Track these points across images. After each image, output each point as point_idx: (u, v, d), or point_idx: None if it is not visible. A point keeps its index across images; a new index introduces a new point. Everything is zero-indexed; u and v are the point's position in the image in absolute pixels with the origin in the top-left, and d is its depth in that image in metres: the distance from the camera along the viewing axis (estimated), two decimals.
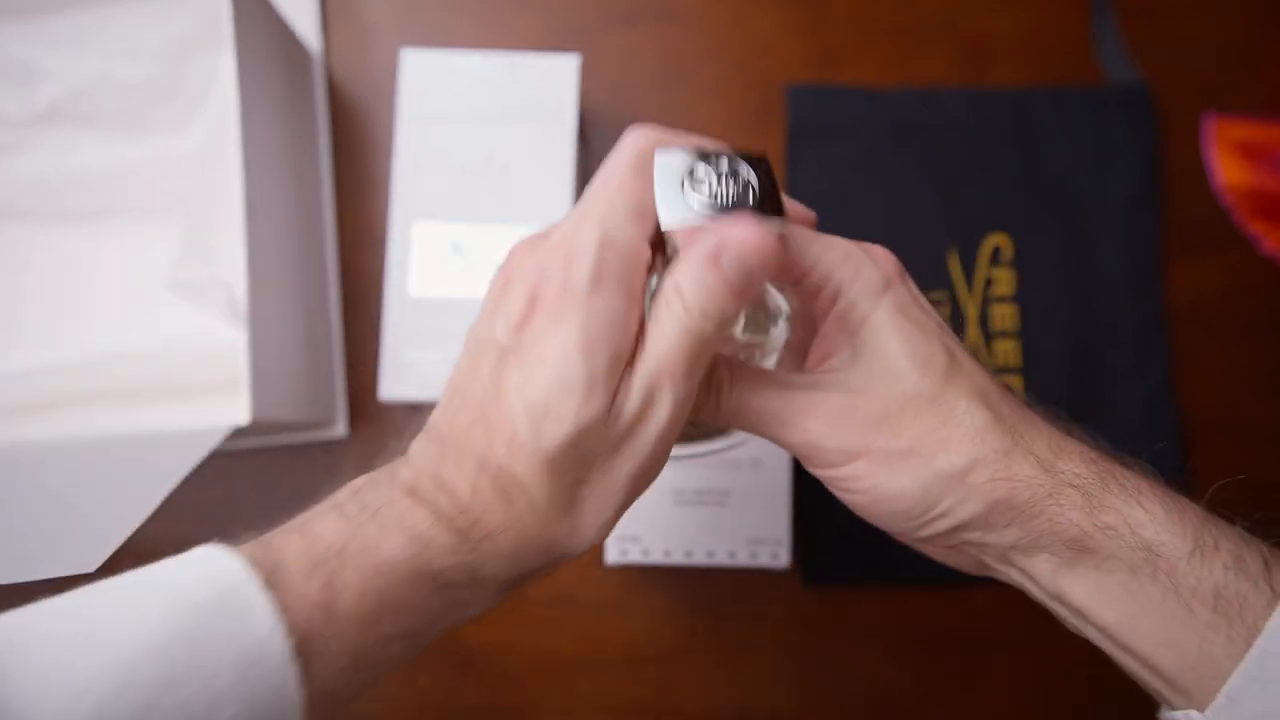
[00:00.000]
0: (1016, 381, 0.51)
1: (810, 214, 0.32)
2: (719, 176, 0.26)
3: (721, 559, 0.45)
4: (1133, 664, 0.26)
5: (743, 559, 0.45)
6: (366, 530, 0.24)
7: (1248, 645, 0.23)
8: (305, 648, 0.22)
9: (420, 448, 0.27)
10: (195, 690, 0.20)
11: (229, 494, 0.49)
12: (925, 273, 0.52)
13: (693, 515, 0.44)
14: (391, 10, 0.54)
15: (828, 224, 0.52)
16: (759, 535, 0.45)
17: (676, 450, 0.33)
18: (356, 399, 0.50)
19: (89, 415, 0.47)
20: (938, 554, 0.29)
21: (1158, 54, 0.54)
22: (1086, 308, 0.52)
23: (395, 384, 0.45)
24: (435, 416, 0.27)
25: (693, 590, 0.49)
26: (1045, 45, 0.54)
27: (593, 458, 0.25)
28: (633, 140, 0.26)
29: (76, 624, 0.21)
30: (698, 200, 0.25)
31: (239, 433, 0.41)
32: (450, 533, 0.25)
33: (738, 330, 0.30)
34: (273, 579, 0.22)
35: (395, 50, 0.49)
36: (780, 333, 0.31)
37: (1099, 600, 0.25)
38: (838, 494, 0.28)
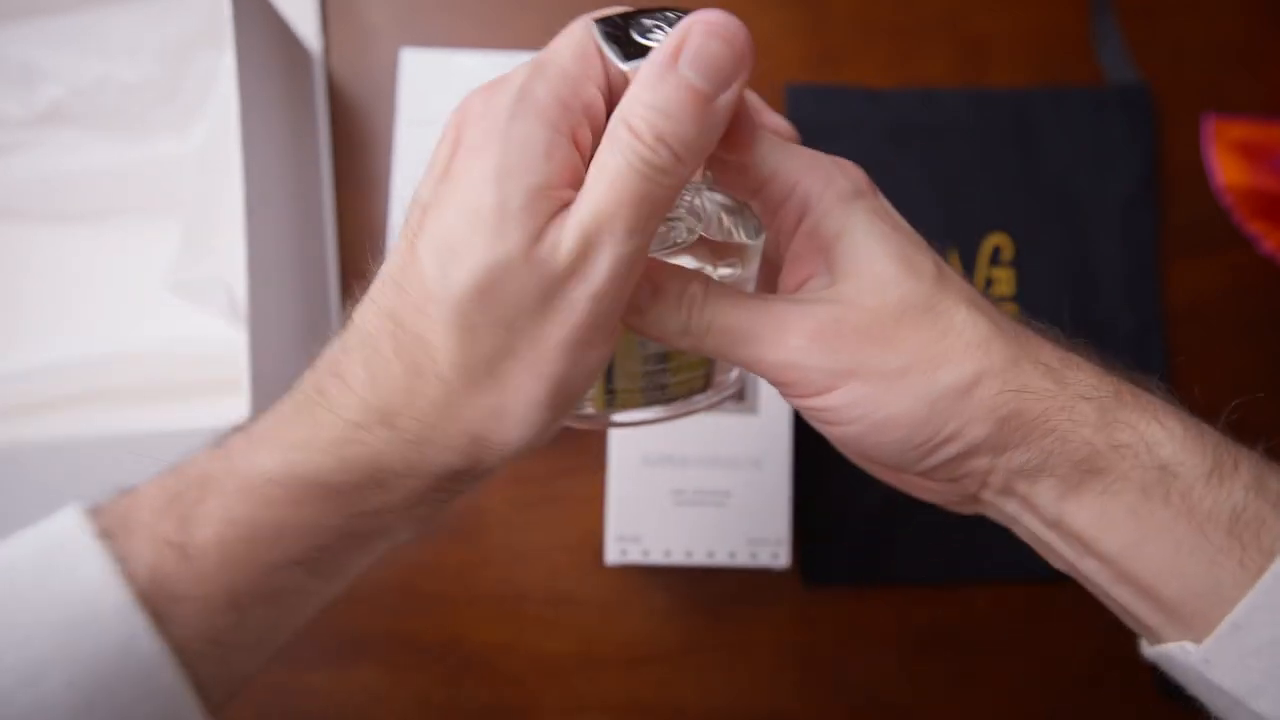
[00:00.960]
0: None
1: (787, 126, 0.28)
2: (668, 22, 0.22)
3: (721, 559, 0.45)
4: (1128, 596, 0.24)
5: (743, 559, 0.45)
6: (236, 452, 0.22)
7: (1260, 572, 0.21)
8: (155, 592, 0.20)
9: (329, 347, 0.24)
10: (7, 658, 0.18)
11: None
12: None
13: (693, 515, 0.44)
14: (391, 10, 0.54)
15: None
16: (759, 535, 0.45)
17: (659, 413, 0.30)
18: None
19: (89, 415, 0.47)
20: (930, 489, 0.27)
21: (1157, 54, 0.54)
22: (1086, 308, 0.52)
23: None
24: (354, 307, 0.24)
25: (693, 590, 0.49)
26: (1045, 45, 0.54)
27: (515, 319, 0.21)
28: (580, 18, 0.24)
29: None
30: (655, 42, 0.22)
31: None
32: (336, 424, 0.21)
33: (708, 229, 0.26)
34: (120, 525, 0.20)
35: (395, 50, 0.49)
36: (756, 241, 0.27)
37: (1102, 526, 0.23)
38: (826, 429, 0.25)
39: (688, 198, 0.26)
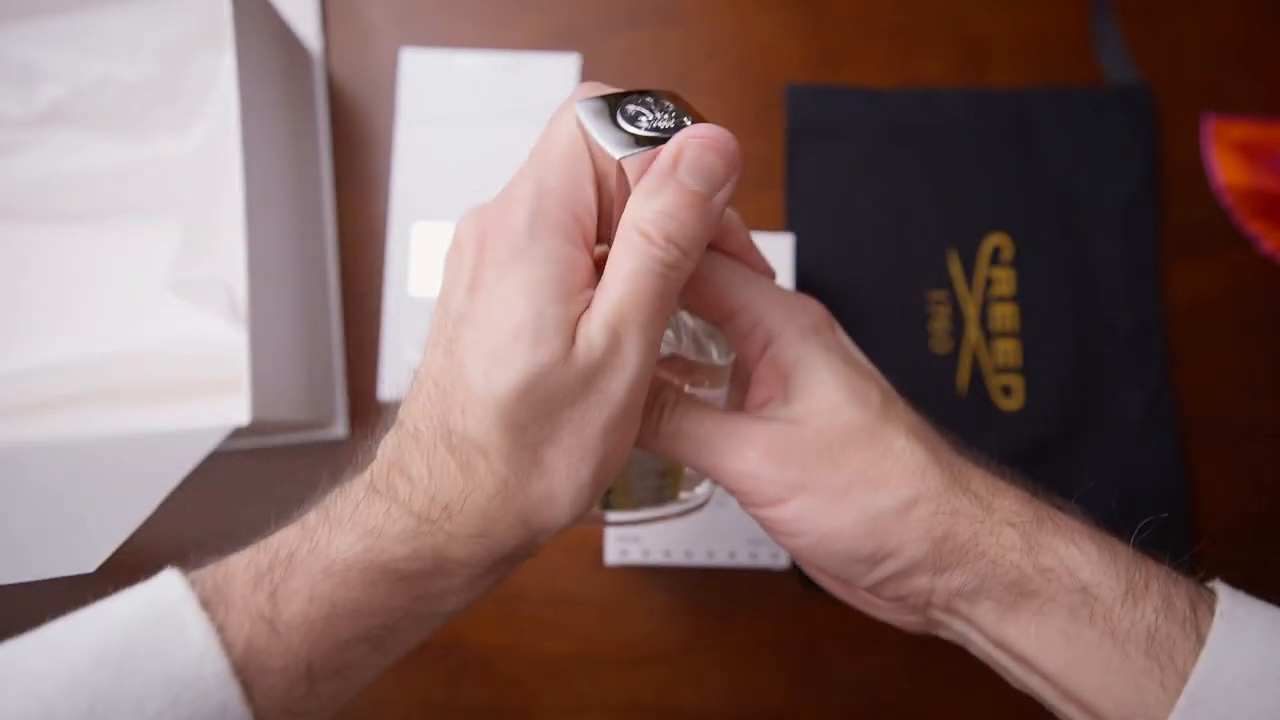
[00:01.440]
0: (1016, 381, 0.51)
1: (768, 264, 0.30)
2: (650, 108, 0.24)
3: (721, 559, 0.45)
4: (1073, 712, 0.25)
5: (743, 559, 0.45)
6: (318, 533, 0.23)
7: (1178, 693, 0.23)
8: (248, 663, 0.21)
9: (386, 440, 0.26)
10: (122, 716, 0.20)
11: (229, 494, 0.49)
12: (925, 273, 0.52)
13: (693, 515, 0.44)
14: (391, 10, 0.54)
15: (828, 224, 0.52)
16: (759, 535, 0.45)
17: (651, 513, 0.32)
18: (356, 399, 0.50)
19: (89, 415, 0.47)
20: (886, 612, 0.29)
21: (1157, 54, 0.54)
22: (1086, 307, 0.52)
23: (395, 384, 0.45)
24: (402, 406, 0.26)
25: (693, 590, 0.49)
26: (1045, 45, 0.54)
27: (557, 411, 0.23)
28: (567, 100, 0.25)
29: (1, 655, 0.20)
30: (642, 130, 0.23)
31: (239, 433, 0.41)
32: (407, 517, 0.24)
33: (683, 348, 0.29)
34: (217, 595, 0.22)
35: (395, 50, 0.49)
36: (725, 363, 0.30)
37: (1040, 646, 0.25)
38: (781, 541, 0.27)
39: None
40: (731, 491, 0.27)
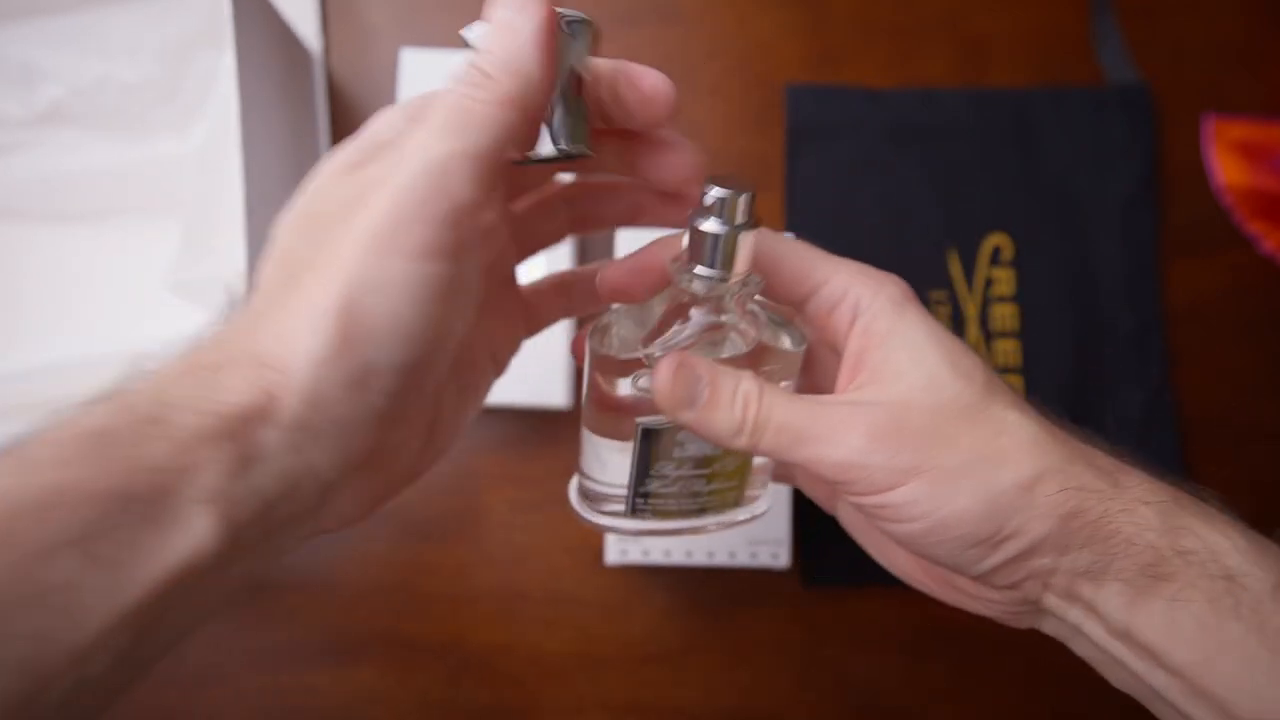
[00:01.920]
0: (1017, 381, 0.51)
1: None
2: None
3: (721, 559, 0.45)
4: (1203, 712, 0.23)
5: (743, 559, 0.45)
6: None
7: None
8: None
9: None
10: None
11: None
12: (925, 273, 0.52)
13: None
14: (391, 10, 0.54)
15: (828, 224, 0.52)
16: (759, 535, 0.45)
17: (689, 524, 0.31)
18: None
19: None
20: (988, 599, 0.27)
21: (1157, 54, 0.54)
22: (1086, 307, 0.52)
23: None
24: None
25: (693, 590, 0.49)
26: (1045, 45, 0.54)
27: (323, 228, 0.23)
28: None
29: None
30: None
31: None
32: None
33: (763, 336, 0.28)
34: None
35: (395, 50, 0.49)
36: (798, 350, 0.28)
37: (1172, 637, 0.23)
38: (887, 527, 0.25)
39: (731, 314, 0.27)
40: (833, 481, 0.25)
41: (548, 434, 0.50)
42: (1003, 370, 0.51)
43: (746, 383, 0.25)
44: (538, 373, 0.46)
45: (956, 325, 0.51)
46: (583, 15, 0.27)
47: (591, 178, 0.31)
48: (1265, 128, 0.53)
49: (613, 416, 0.28)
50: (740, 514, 0.31)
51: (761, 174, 0.53)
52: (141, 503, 0.19)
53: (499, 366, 0.30)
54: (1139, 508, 0.24)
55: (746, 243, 0.26)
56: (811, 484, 0.33)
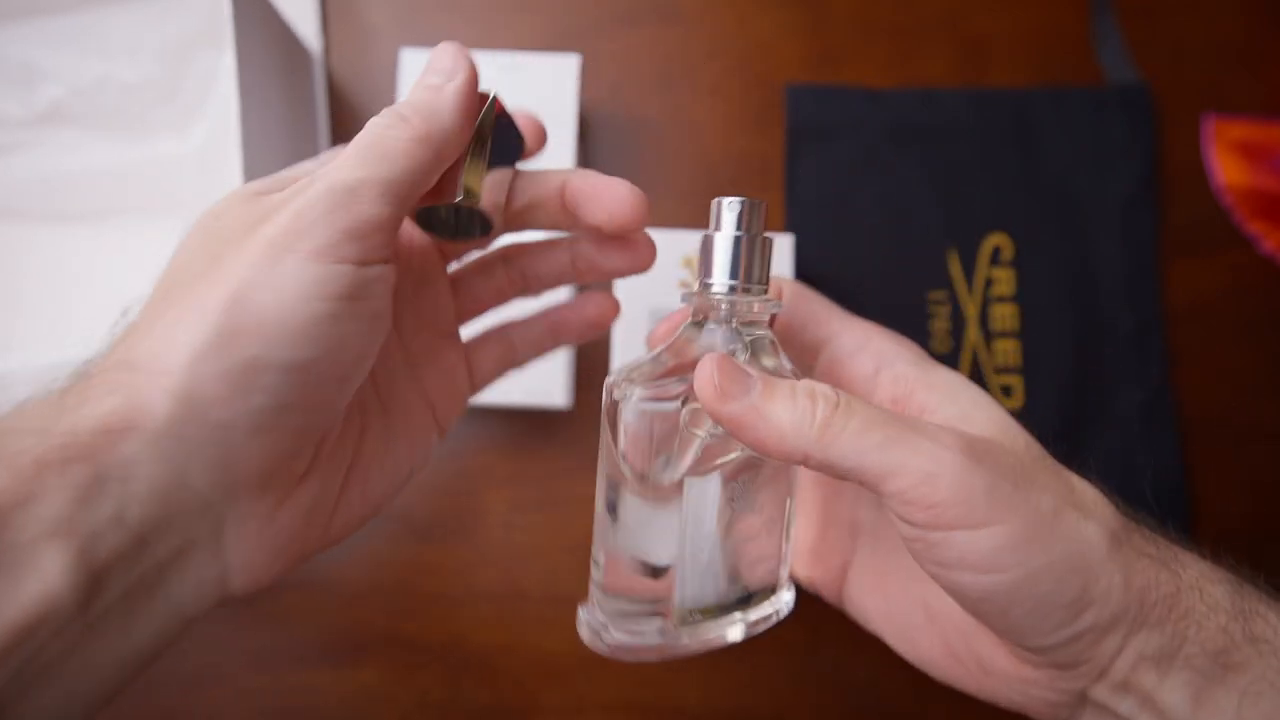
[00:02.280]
0: (1016, 381, 0.51)
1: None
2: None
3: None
4: None
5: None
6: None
7: None
8: None
9: None
10: None
11: None
12: (925, 273, 0.52)
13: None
14: (391, 10, 0.54)
15: (828, 224, 0.52)
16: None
17: (736, 625, 0.27)
18: None
19: None
20: (1029, 686, 0.24)
21: (1157, 54, 0.54)
22: (1086, 308, 0.52)
23: None
24: None
25: None
26: (1045, 45, 0.54)
27: (220, 246, 0.23)
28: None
29: None
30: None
31: None
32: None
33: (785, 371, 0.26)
34: None
35: (395, 50, 0.49)
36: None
37: None
38: (961, 579, 0.21)
39: (755, 331, 0.26)
40: (917, 505, 0.21)
41: (548, 434, 0.50)
42: (1003, 370, 0.51)
43: (819, 388, 0.23)
44: (538, 372, 0.46)
45: (956, 325, 0.51)
46: (491, 92, 0.27)
47: (527, 236, 0.30)
48: (1265, 128, 0.53)
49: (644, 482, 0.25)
50: (770, 609, 0.28)
51: (762, 174, 0.53)
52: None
53: (440, 425, 0.29)
54: (1209, 586, 0.22)
55: (762, 251, 0.25)
56: (819, 563, 0.30)
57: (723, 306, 0.25)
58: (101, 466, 0.18)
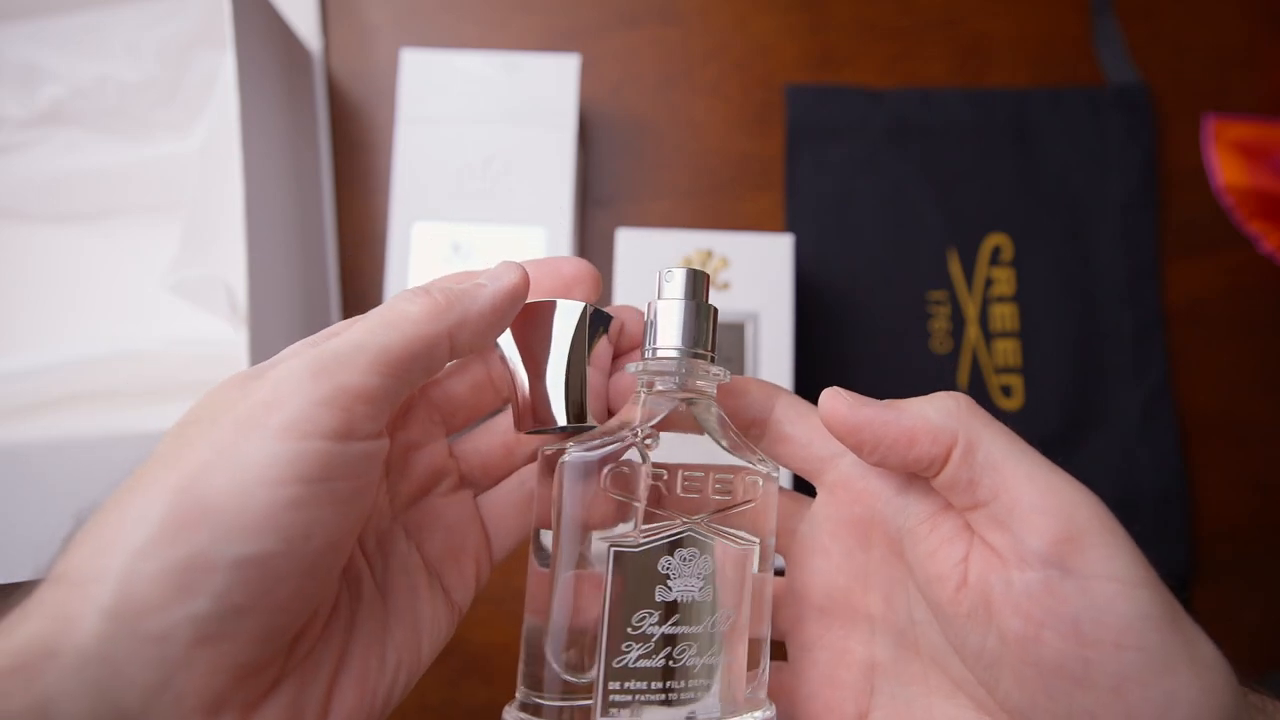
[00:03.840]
0: (1016, 381, 0.51)
1: None
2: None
3: None
4: None
5: None
6: None
7: None
8: None
9: None
10: None
11: None
12: (925, 273, 0.52)
13: None
14: (391, 10, 0.54)
15: (828, 224, 0.52)
16: None
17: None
18: None
19: (89, 415, 0.47)
20: None
21: (1157, 55, 0.54)
22: (1086, 307, 0.52)
23: None
24: None
25: None
26: (1045, 45, 0.54)
27: (207, 424, 0.20)
28: None
29: None
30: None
31: None
32: None
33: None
34: None
35: (395, 50, 0.49)
36: (771, 471, 0.25)
37: None
38: (1091, 650, 0.19)
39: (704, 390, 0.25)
40: (1052, 533, 0.19)
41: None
42: (1003, 370, 0.51)
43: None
44: None
45: (956, 325, 0.51)
46: (606, 312, 0.26)
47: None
48: (1265, 128, 0.53)
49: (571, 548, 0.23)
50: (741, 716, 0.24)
51: (762, 174, 0.53)
52: None
53: (451, 599, 0.26)
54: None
55: (710, 319, 0.25)
56: (833, 709, 0.26)
57: (667, 372, 0.24)
58: (21, 699, 0.16)
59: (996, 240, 0.52)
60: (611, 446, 0.23)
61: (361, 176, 0.52)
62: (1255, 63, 0.54)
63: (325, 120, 0.52)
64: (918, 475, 0.22)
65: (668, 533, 0.23)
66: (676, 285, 0.24)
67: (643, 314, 0.26)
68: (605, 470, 0.22)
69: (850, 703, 0.24)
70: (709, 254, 0.45)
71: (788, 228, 0.52)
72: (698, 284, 0.24)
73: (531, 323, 0.25)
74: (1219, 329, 0.52)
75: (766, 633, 0.24)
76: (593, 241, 0.52)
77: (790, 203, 0.52)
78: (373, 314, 0.21)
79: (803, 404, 0.25)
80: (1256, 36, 0.54)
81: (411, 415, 0.25)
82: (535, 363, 0.25)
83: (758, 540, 0.24)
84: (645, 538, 0.23)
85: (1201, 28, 0.54)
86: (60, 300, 0.50)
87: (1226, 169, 0.53)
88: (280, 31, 0.48)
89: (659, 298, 0.25)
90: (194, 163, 0.48)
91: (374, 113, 0.53)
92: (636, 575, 0.23)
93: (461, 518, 0.26)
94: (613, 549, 0.22)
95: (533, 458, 0.27)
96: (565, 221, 0.46)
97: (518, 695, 0.25)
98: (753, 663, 0.24)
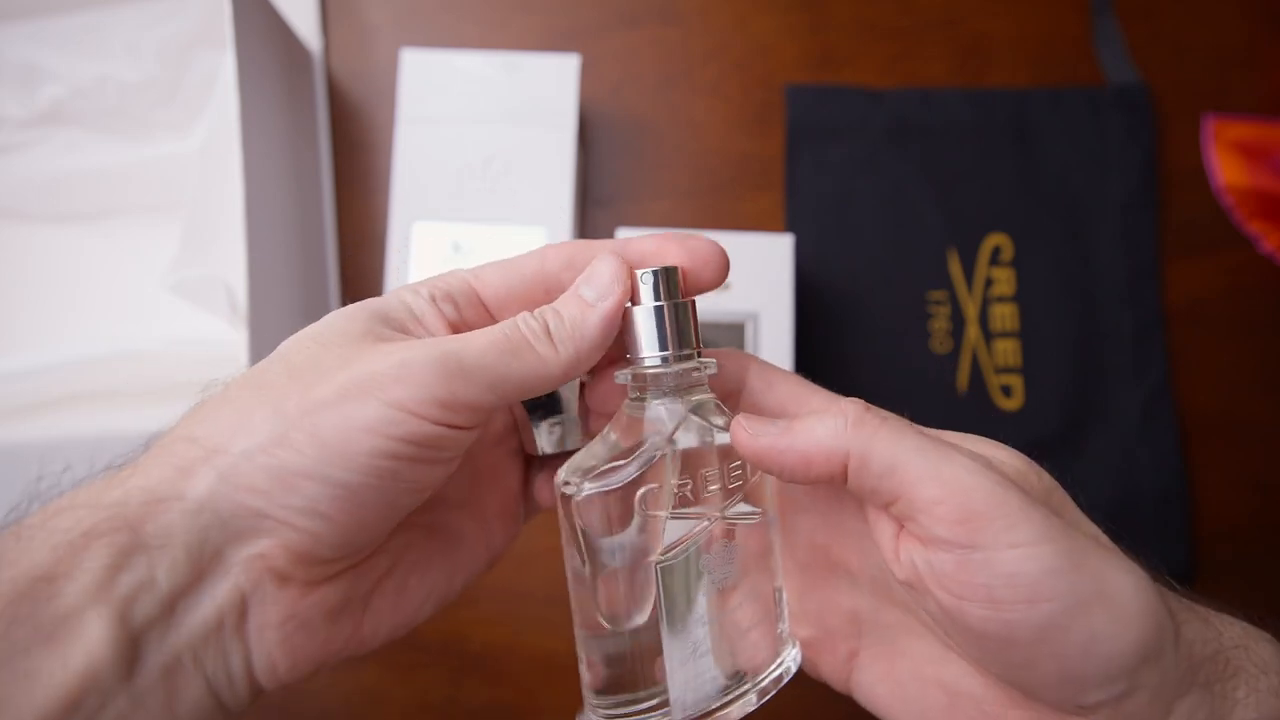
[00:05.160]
0: (1016, 381, 0.51)
1: None
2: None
3: None
4: None
5: None
6: None
7: None
8: None
9: None
10: None
11: None
12: (925, 273, 0.52)
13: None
14: (391, 10, 0.54)
15: (828, 224, 0.52)
16: None
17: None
18: None
19: (89, 415, 0.47)
20: None
21: (1157, 55, 0.54)
22: (1086, 307, 0.52)
23: None
24: None
25: None
26: (1045, 45, 0.54)
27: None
28: None
29: None
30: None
31: None
32: None
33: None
34: None
35: (395, 50, 0.49)
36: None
37: None
38: (1009, 611, 0.20)
39: (699, 398, 0.25)
40: (952, 518, 0.20)
41: None
42: (1003, 370, 0.51)
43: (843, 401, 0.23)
44: None
45: (956, 325, 0.51)
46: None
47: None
48: (1265, 128, 0.53)
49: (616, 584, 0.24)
50: (777, 669, 0.27)
51: (762, 174, 0.53)
52: (26, 619, 0.18)
53: (491, 549, 0.28)
54: (1254, 645, 0.21)
55: (688, 316, 0.24)
56: (824, 653, 0.28)
57: (660, 379, 0.24)
58: (141, 535, 0.19)
59: (996, 240, 0.52)
60: (633, 468, 0.23)
61: (361, 176, 0.52)
62: (1255, 63, 0.54)
63: (325, 120, 0.52)
64: None
65: (698, 534, 0.24)
66: (650, 288, 0.24)
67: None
68: (639, 494, 0.23)
69: (841, 643, 0.27)
70: None
71: (788, 228, 0.52)
72: (671, 282, 0.24)
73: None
74: (1219, 329, 0.52)
75: (782, 580, 0.27)
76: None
77: (790, 203, 0.52)
78: (503, 336, 0.22)
79: (771, 371, 0.26)
80: (1256, 36, 0.54)
81: None
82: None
83: (768, 510, 0.26)
84: (681, 547, 0.24)
85: (1201, 28, 0.54)
86: (60, 300, 0.50)
87: (1226, 169, 0.53)
88: (280, 31, 0.48)
89: (635, 304, 0.24)
90: (194, 163, 0.48)
91: (374, 113, 0.53)
92: (680, 581, 0.24)
93: (516, 483, 0.29)
94: (658, 566, 0.24)
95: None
96: (565, 221, 0.46)
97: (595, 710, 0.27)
98: (778, 610, 0.27)
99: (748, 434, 0.23)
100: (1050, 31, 0.54)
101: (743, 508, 0.25)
